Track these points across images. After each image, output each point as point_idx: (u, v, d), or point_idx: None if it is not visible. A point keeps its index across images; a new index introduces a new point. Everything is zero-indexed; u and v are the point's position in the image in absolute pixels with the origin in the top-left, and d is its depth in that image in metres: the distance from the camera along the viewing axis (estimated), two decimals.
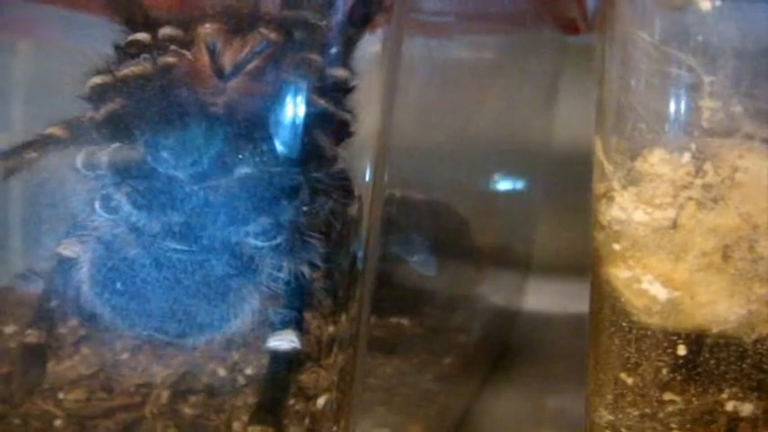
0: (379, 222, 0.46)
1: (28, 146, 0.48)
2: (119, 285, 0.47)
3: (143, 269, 0.46)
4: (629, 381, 0.43)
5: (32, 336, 0.49)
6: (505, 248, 0.93)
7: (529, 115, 0.95)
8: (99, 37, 0.49)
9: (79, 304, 0.48)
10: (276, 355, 0.47)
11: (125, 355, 0.53)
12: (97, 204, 0.45)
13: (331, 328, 0.51)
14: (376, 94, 0.45)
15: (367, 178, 0.46)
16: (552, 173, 1.02)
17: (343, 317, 0.49)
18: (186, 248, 0.45)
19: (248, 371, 0.53)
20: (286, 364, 0.47)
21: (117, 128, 0.44)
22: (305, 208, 0.45)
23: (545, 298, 1.01)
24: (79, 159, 0.46)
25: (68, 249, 0.48)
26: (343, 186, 0.47)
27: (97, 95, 0.45)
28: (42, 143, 0.48)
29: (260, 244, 0.45)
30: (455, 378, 0.70)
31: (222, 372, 0.53)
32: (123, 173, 0.44)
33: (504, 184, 0.89)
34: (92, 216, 0.47)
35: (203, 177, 0.44)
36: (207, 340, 0.49)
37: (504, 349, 0.87)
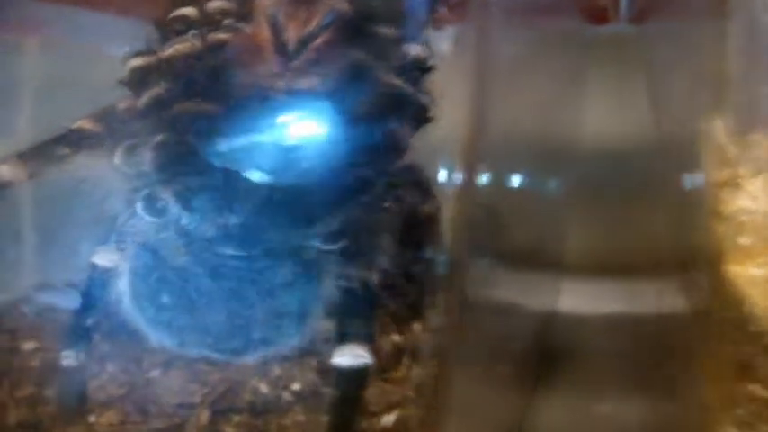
0: (468, 224, 0.41)
1: (55, 143, 0.43)
2: (165, 298, 0.41)
3: (194, 279, 0.40)
4: (764, 394, 0.38)
5: (69, 358, 0.43)
6: (538, 249, 0.88)
7: (556, 110, 0.90)
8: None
9: (119, 320, 0.43)
10: (343, 372, 0.42)
11: (156, 373, 0.47)
12: (140, 206, 0.40)
13: (397, 338, 0.46)
14: (460, 78, 0.40)
15: (449, 174, 0.41)
16: (580, 169, 0.97)
17: (417, 326, 0.44)
18: (245, 254, 0.39)
19: (295, 386, 0.48)
20: (355, 380, 0.42)
21: (163, 116, 0.39)
22: (376, 205, 0.40)
23: (577, 299, 0.96)
24: (118, 155, 0.40)
25: (105, 258, 0.43)
26: (418, 181, 0.42)
27: (138, 80, 0.40)
28: (71, 139, 0.43)
29: (326, 247, 0.40)
30: (510, 386, 0.65)
31: (266, 389, 0.48)
32: (171, 168, 0.39)
33: (533, 182, 0.84)
34: (133, 219, 0.41)
35: (265, 172, 0.38)
36: (264, 356, 0.44)
37: (543, 354, 0.82)
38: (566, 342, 0.84)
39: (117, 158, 0.40)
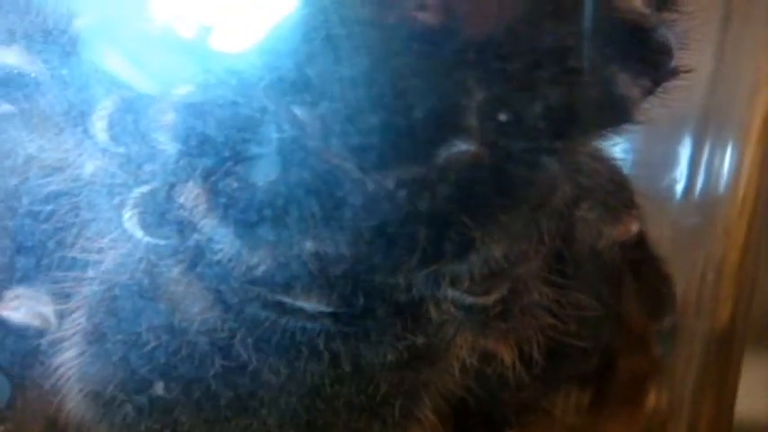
0: (753, 264, 0.24)
1: None
2: (160, 390, 0.22)
3: (227, 356, 0.22)
4: None
5: None
6: None
7: None
8: None
9: None
10: None
11: None
12: (129, 215, 0.21)
13: None
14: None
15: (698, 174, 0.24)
16: None
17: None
18: (330, 312, 0.21)
19: None
20: None
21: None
22: (556, 225, 0.22)
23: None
24: (97, 119, 0.21)
25: (26, 310, 0.23)
26: (619, 184, 0.25)
27: None
28: None
29: (471, 300, 0.22)
30: None
31: None
32: (209, 148, 0.19)
33: None
34: (102, 238, 0.22)
35: (385, 161, 0.20)
36: None
37: None
38: None
39: (96, 124, 0.20)
